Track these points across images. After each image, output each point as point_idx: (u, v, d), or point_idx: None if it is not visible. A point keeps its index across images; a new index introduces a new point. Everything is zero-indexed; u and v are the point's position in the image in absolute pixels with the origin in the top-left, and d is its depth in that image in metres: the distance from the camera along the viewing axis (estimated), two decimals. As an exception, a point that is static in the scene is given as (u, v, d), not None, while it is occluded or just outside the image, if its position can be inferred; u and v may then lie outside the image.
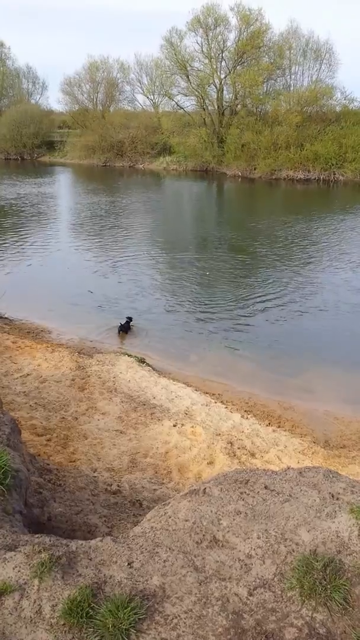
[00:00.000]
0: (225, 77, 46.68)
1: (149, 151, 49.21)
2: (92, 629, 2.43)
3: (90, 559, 2.84)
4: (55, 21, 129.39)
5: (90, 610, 2.49)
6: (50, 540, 2.98)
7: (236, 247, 20.04)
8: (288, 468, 3.66)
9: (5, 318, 12.08)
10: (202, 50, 46.39)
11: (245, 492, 3.30)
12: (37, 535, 3.10)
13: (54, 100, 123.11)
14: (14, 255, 18.17)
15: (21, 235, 21.16)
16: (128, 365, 9.44)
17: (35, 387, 8.30)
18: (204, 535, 2.98)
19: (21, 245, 19.54)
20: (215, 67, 46.40)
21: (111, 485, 5.73)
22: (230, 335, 11.60)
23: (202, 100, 47.83)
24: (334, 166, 40.21)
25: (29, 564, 2.75)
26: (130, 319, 11.68)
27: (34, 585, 2.64)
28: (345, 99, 44.82)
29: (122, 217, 25.20)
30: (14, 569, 2.74)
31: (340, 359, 10.42)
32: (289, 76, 47.92)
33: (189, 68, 47.13)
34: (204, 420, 7.65)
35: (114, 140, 49.91)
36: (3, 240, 20.23)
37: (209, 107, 48.22)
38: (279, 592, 2.62)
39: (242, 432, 7.45)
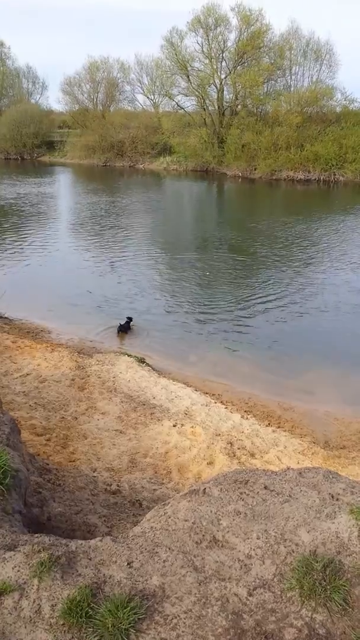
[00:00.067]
0: (225, 78, 46.72)
1: (149, 151, 49.24)
2: (91, 629, 2.42)
3: (90, 559, 2.84)
4: (55, 21, 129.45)
5: (89, 610, 2.49)
6: (49, 540, 2.98)
7: (236, 248, 20.04)
8: (288, 468, 3.66)
9: (5, 318, 12.08)
10: (203, 51, 46.49)
11: (245, 493, 3.29)
12: (36, 535, 3.09)
13: (54, 100, 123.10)
14: (13, 255, 18.17)
15: (21, 235, 21.16)
16: (128, 365, 9.43)
17: (35, 387, 8.30)
18: (203, 535, 2.98)
19: (21, 245, 19.55)
20: (215, 67, 46.45)
21: (111, 485, 5.73)
22: (230, 335, 11.60)
23: (202, 101, 47.85)
24: (334, 167, 40.23)
25: (29, 564, 2.75)
26: (130, 319, 11.68)
27: (33, 585, 2.64)
28: (345, 100, 44.92)
29: (122, 217, 25.20)
30: (13, 568, 2.73)
31: (341, 359, 10.42)
32: (289, 77, 48.06)
33: (189, 68, 47.19)
34: (204, 421, 7.65)
35: (114, 140, 49.94)
36: (3, 240, 20.23)
37: (210, 108, 48.25)
38: (279, 593, 2.62)
39: (242, 432, 7.45)
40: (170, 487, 5.93)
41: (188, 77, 47.44)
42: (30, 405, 7.61)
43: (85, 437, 6.96)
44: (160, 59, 49.94)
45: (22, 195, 31.20)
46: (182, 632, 2.43)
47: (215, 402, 8.45)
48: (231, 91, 47.01)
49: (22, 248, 19.09)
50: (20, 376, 8.66)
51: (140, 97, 57.04)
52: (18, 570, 2.72)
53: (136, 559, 2.83)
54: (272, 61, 46.18)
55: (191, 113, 49.29)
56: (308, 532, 2.94)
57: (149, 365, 9.75)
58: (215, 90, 47.27)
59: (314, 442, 7.48)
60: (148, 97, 55.34)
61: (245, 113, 46.25)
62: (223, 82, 46.81)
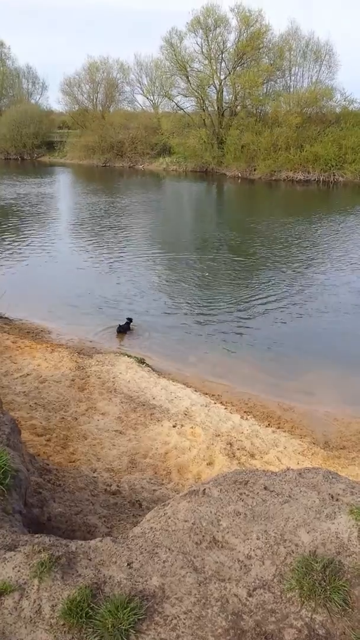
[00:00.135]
0: (225, 78, 46.76)
1: (149, 152, 49.27)
2: (91, 629, 2.43)
3: (90, 559, 2.84)
4: (55, 21, 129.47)
5: (89, 611, 2.50)
6: (49, 540, 2.98)
7: (236, 248, 20.04)
8: (287, 469, 3.66)
9: (5, 318, 12.08)
10: (202, 51, 46.56)
11: (244, 493, 3.30)
12: (36, 535, 3.10)
13: (54, 100, 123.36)
14: (13, 255, 18.17)
15: (21, 235, 21.16)
16: (128, 365, 9.44)
17: (35, 387, 8.30)
18: (203, 536, 2.98)
19: (21, 245, 19.55)
20: (215, 68, 46.51)
21: (111, 485, 5.73)
22: (229, 336, 11.60)
23: (201, 101, 47.90)
24: (333, 167, 40.27)
25: (29, 564, 2.75)
26: (130, 319, 11.69)
27: (33, 585, 2.64)
28: (345, 100, 44.97)
29: (121, 218, 25.21)
30: (13, 568, 2.74)
31: (341, 360, 10.42)
32: (288, 77, 48.13)
33: (188, 69, 47.25)
34: (204, 421, 7.65)
35: (114, 140, 49.98)
36: (3, 240, 20.23)
37: (209, 108, 48.27)
38: (279, 593, 2.63)
39: (242, 433, 7.45)
40: (170, 487, 5.93)
41: (187, 77, 47.51)
42: (30, 406, 7.61)
43: (85, 438, 6.96)
44: (159, 59, 50.14)
45: (22, 196, 31.20)
46: (182, 632, 2.44)
47: (215, 403, 8.46)
48: (231, 92, 47.08)
49: (22, 248, 19.09)
50: (20, 376, 8.66)
51: (140, 98, 57.22)
52: (18, 571, 2.72)
53: (136, 559, 2.83)
54: (272, 62, 46.25)
55: (190, 114, 49.34)
56: (308, 532, 2.95)
57: (148, 366, 9.75)
58: (214, 91, 47.36)
59: (313, 443, 7.48)
60: (147, 98, 55.52)
61: (245, 114, 46.31)
62: (222, 83, 46.89)
